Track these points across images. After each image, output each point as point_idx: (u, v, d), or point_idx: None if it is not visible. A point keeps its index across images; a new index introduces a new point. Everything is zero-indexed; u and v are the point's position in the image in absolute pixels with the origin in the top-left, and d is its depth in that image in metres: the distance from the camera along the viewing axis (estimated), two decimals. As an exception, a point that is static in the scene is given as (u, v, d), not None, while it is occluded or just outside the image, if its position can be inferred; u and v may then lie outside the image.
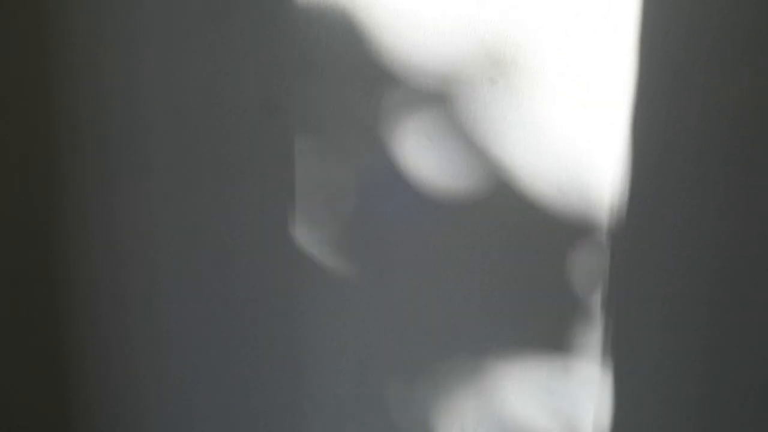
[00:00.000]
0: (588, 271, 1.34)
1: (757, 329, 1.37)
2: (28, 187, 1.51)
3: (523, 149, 1.32)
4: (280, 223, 1.44)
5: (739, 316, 1.37)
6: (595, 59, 1.27)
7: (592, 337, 1.37)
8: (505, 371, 1.41)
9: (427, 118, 1.34)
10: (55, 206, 1.51)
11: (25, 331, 1.56)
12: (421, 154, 1.35)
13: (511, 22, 1.28)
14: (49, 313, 1.56)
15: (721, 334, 1.38)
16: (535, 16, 1.27)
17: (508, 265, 1.37)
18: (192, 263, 1.50)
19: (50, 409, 1.59)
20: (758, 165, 1.31)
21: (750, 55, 1.26)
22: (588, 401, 1.39)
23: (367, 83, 1.35)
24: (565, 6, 1.26)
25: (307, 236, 1.43)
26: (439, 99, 1.33)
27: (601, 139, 1.29)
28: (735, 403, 1.40)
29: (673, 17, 1.25)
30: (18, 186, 1.51)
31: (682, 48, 1.26)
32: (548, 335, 1.38)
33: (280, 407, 1.52)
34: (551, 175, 1.32)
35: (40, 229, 1.53)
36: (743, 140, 1.30)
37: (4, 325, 1.57)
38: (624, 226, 1.32)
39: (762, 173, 1.32)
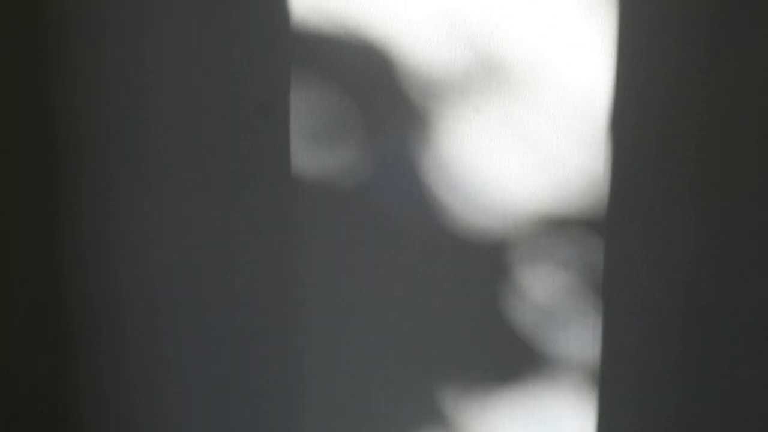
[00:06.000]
0: (573, 280, 1.36)
1: (733, 334, 1.38)
2: (27, 190, 1.52)
3: (513, 156, 1.34)
4: (279, 224, 1.45)
5: (715, 323, 1.38)
6: (575, 74, 1.29)
7: (577, 346, 1.38)
8: (495, 380, 1.42)
9: (421, 122, 1.35)
10: (54, 208, 1.52)
11: (24, 333, 1.57)
12: (418, 157, 1.36)
13: (500, 36, 1.30)
14: (50, 313, 1.56)
15: (697, 342, 1.38)
16: (519, 31, 1.30)
17: (498, 274, 1.38)
18: (190, 266, 1.50)
19: (49, 409, 1.60)
20: (730, 172, 1.33)
21: (710, 70, 1.29)
22: (572, 410, 1.41)
23: (362, 87, 1.36)
24: (546, 24, 1.29)
25: (306, 237, 1.44)
26: (434, 103, 1.34)
27: (582, 149, 1.31)
28: (713, 411, 1.41)
29: (645, 37, 1.28)
30: (18, 187, 1.52)
31: (655, 64, 1.29)
32: (537, 341, 1.39)
33: (278, 408, 1.53)
34: (538, 187, 1.34)
35: (40, 232, 1.53)
36: (712, 148, 1.32)
37: (5, 324, 1.58)
38: (607, 238, 1.34)
39: (734, 180, 1.34)
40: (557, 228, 1.34)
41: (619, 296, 1.36)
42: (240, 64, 1.40)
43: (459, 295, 1.40)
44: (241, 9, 1.38)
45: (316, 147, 1.40)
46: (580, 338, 1.38)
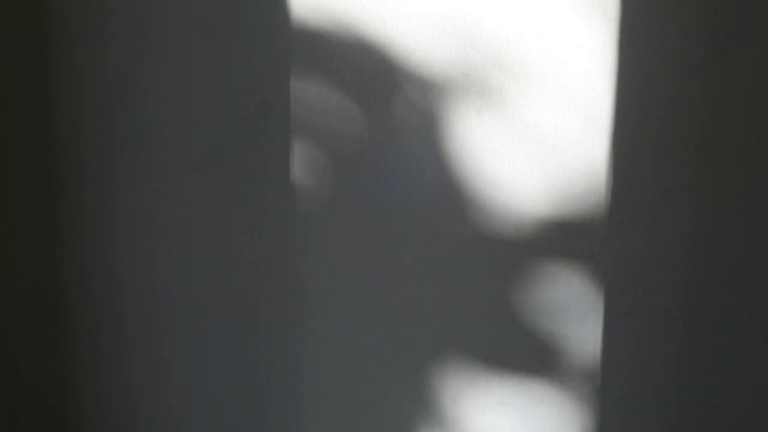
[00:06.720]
0: (573, 280, 1.36)
1: (733, 334, 1.39)
2: (28, 190, 1.53)
3: (515, 156, 1.34)
4: (279, 224, 1.45)
5: (715, 323, 1.38)
6: (575, 74, 1.30)
7: (578, 346, 1.38)
8: (496, 377, 1.42)
9: (421, 123, 1.35)
10: (54, 208, 1.52)
11: (24, 333, 1.58)
12: (418, 158, 1.37)
13: (500, 36, 1.30)
14: (50, 313, 1.57)
15: (697, 342, 1.39)
16: (521, 33, 1.30)
17: (499, 274, 1.39)
18: (191, 266, 1.50)
19: (49, 409, 1.60)
20: (730, 172, 1.34)
21: (710, 70, 1.30)
22: (572, 410, 1.41)
23: (362, 87, 1.36)
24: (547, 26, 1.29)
25: (306, 237, 1.44)
26: (434, 103, 1.34)
27: (583, 152, 1.32)
28: (713, 411, 1.42)
29: (646, 44, 1.29)
30: (19, 187, 1.53)
31: (657, 68, 1.30)
32: (538, 341, 1.39)
33: (278, 408, 1.53)
34: (540, 185, 1.34)
35: (40, 233, 1.54)
36: (712, 148, 1.32)
37: (5, 325, 1.58)
38: (607, 238, 1.34)
39: (734, 180, 1.34)
40: (558, 228, 1.35)
41: (619, 296, 1.37)
42: (240, 64, 1.41)
43: (459, 295, 1.41)
44: (241, 9, 1.39)
45: (316, 147, 1.40)
46: (580, 338, 1.38)
